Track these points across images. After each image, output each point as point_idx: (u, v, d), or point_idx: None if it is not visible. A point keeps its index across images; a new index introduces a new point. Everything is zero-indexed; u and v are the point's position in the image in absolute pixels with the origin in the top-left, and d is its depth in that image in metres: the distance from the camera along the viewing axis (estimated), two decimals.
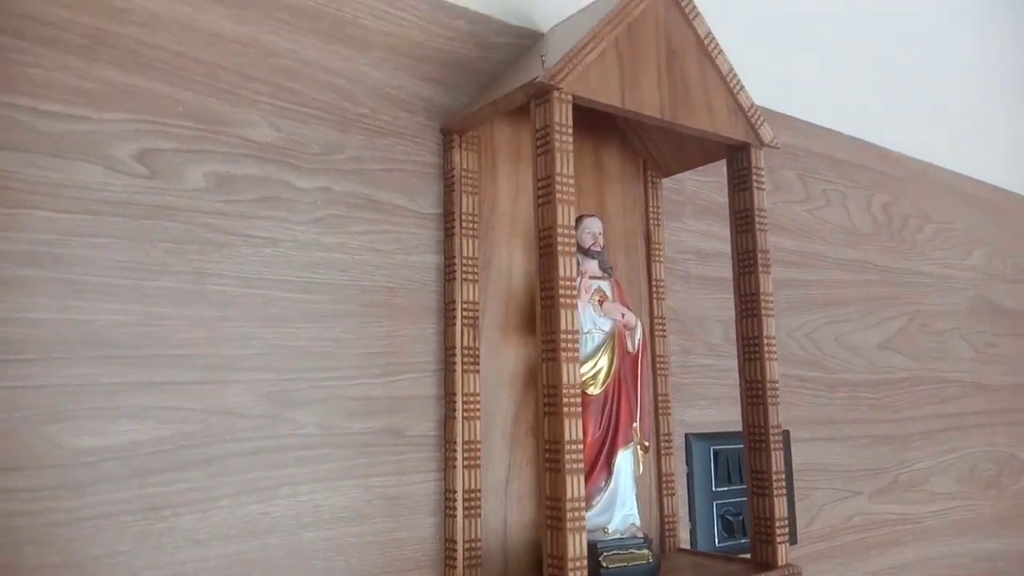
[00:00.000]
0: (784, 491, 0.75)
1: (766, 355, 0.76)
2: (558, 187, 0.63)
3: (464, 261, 0.73)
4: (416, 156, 0.74)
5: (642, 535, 0.72)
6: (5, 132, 0.55)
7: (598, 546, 0.69)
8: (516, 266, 0.78)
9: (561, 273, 0.62)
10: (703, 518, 0.90)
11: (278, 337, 0.64)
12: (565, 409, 0.61)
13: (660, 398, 0.86)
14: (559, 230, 0.62)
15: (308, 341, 0.65)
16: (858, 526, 1.08)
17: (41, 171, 0.56)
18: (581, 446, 0.61)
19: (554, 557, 0.60)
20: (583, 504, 0.61)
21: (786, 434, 1.01)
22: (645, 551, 0.71)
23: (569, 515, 0.60)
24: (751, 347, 0.77)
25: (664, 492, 0.84)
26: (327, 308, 0.67)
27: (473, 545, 0.70)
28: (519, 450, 0.75)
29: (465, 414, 0.71)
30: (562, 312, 0.62)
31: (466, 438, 0.71)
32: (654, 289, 0.88)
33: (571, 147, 0.64)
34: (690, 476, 0.90)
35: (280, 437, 0.63)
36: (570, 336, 0.62)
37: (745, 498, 0.90)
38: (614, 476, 0.72)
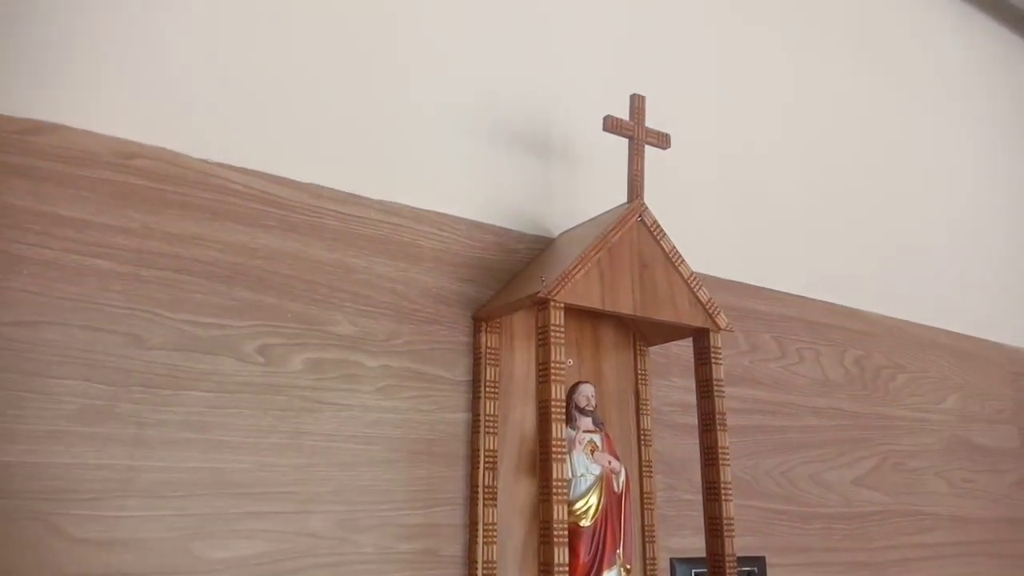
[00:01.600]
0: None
1: (723, 497, 0.97)
2: (553, 371, 0.87)
3: (487, 418, 0.97)
4: (452, 337, 0.99)
5: None
6: (175, 338, 0.81)
7: None
8: (527, 422, 1.01)
9: (553, 435, 0.85)
10: None
11: (349, 478, 0.88)
12: (555, 539, 0.83)
13: (647, 528, 1.07)
14: (552, 403, 0.86)
15: (369, 481, 0.89)
16: None
17: (196, 363, 0.82)
18: (567, 567, 0.83)
19: None
20: (564, 569, 0.81)
21: (762, 560, 1.19)
22: None
23: None
24: (712, 490, 0.98)
25: None
26: (384, 456, 0.91)
27: None
28: (527, 568, 0.96)
29: (485, 540, 0.93)
30: (554, 464, 0.84)
31: (485, 559, 0.93)
32: (642, 437, 1.10)
33: (563, 341, 0.88)
34: None
35: (346, 555, 0.86)
36: (560, 484, 0.84)
37: None
38: None
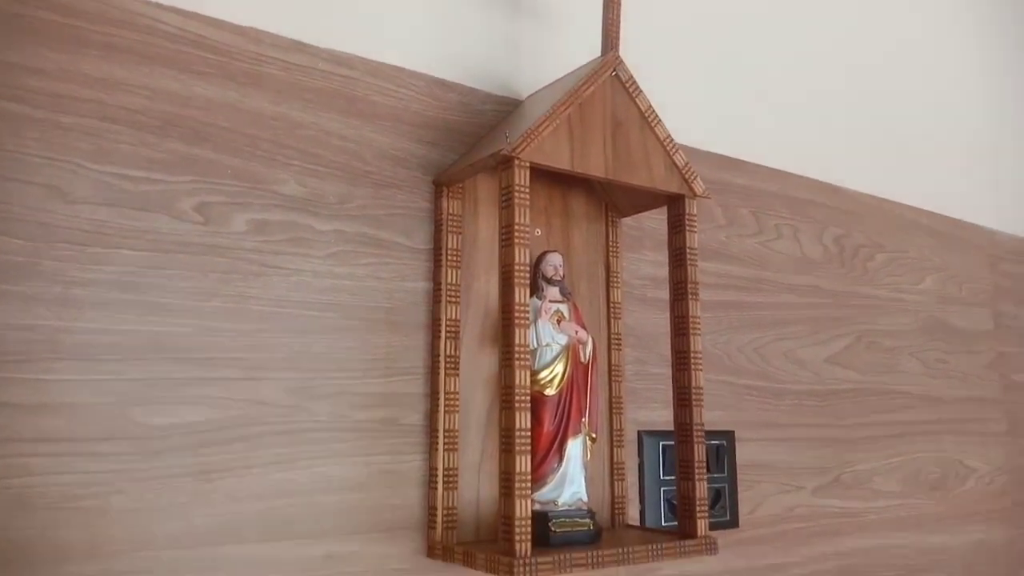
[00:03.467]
0: (704, 477, 0.92)
1: (693, 366, 0.94)
2: (516, 234, 0.81)
3: (449, 287, 0.92)
4: (412, 203, 0.93)
5: (587, 508, 0.90)
6: (103, 192, 0.75)
7: (549, 515, 0.87)
8: (492, 291, 0.96)
9: (516, 300, 0.81)
10: (651, 501, 1.07)
11: (301, 345, 0.83)
12: (517, 404, 0.79)
13: (614, 400, 1.04)
14: (516, 267, 0.81)
15: (324, 349, 0.85)
16: (801, 516, 1.24)
17: (127, 220, 0.76)
18: (529, 433, 0.80)
19: (505, 518, 0.78)
20: (528, 478, 0.79)
21: (731, 434, 1.18)
22: (587, 521, 0.88)
23: (518, 486, 0.78)
24: (681, 360, 0.94)
25: (615, 478, 1.02)
26: (339, 323, 0.86)
27: (450, 512, 0.88)
28: (490, 438, 0.93)
29: (446, 408, 0.90)
30: (516, 330, 0.80)
31: (447, 427, 0.90)
32: (612, 310, 1.06)
33: (528, 202, 0.82)
34: (641, 466, 1.08)
35: (300, 422, 0.82)
36: (522, 349, 0.80)
37: None
38: (565, 460, 0.90)
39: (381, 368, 0.88)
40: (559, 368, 0.92)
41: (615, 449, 1.03)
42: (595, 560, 0.81)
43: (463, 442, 0.91)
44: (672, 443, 1.06)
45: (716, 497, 1.14)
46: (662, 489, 1.09)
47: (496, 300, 0.96)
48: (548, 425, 0.90)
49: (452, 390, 0.91)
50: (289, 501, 0.81)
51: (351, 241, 0.88)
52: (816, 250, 1.36)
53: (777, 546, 1.20)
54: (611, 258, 1.07)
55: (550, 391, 0.91)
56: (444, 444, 0.89)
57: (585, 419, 0.93)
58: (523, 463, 0.79)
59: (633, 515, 1.06)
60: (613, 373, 1.04)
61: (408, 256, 0.92)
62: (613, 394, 1.04)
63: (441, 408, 0.90)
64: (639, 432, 1.09)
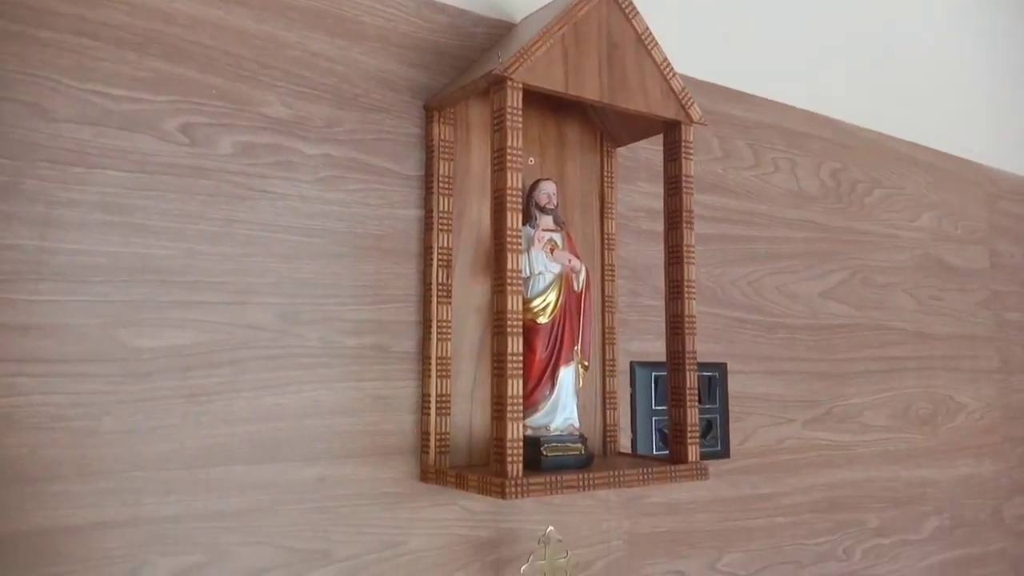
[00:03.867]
0: (695, 404, 0.93)
1: (686, 295, 0.93)
2: (509, 158, 0.80)
3: (441, 215, 0.91)
4: (402, 128, 0.91)
5: (578, 434, 0.91)
6: (85, 111, 0.73)
7: (541, 440, 0.88)
8: (484, 220, 0.95)
9: (509, 225, 0.80)
10: (643, 430, 1.08)
11: (288, 271, 0.83)
12: (509, 329, 0.79)
13: (607, 331, 1.04)
14: (508, 192, 0.80)
15: (311, 274, 0.84)
16: (791, 448, 1.26)
17: (110, 140, 0.74)
18: (520, 358, 0.80)
19: (497, 440, 0.79)
20: (520, 401, 0.79)
21: (723, 366, 1.18)
22: (579, 446, 0.89)
23: (509, 409, 0.78)
24: (674, 289, 0.94)
25: (607, 407, 1.02)
26: (327, 249, 0.85)
27: (443, 437, 0.89)
28: (483, 366, 0.93)
29: (439, 336, 0.90)
30: (508, 255, 0.79)
31: (439, 355, 0.89)
32: (605, 241, 1.05)
33: (520, 125, 0.80)
34: (633, 396, 1.08)
35: (289, 347, 0.82)
36: (514, 274, 0.80)
37: None
38: (557, 387, 0.90)
39: (371, 295, 0.87)
40: (552, 296, 0.91)
41: (607, 378, 1.03)
42: (586, 483, 0.82)
43: (455, 369, 0.91)
44: (664, 374, 1.06)
45: (707, 427, 1.15)
46: (653, 419, 1.09)
47: (488, 229, 0.95)
48: (541, 352, 0.90)
49: (444, 318, 0.90)
50: (279, 424, 0.81)
51: (339, 166, 0.87)
52: (813, 184, 1.35)
53: (767, 476, 1.22)
54: (606, 188, 1.06)
55: (543, 319, 0.91)
56: (437, 371, 0.89)
57: (578, 347, 0.92)
58: (515, 387, 0.79)
59: (625, 444, 1.07)
60: (606, 304, 1.04)
61: (398, 183, 0.90)
62: (606, 324, 1.04)
63: (434, 336, 0.89)
64: (632, 363, 1.09)
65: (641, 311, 1.10)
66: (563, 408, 0.91)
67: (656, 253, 1.12)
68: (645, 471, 0.87)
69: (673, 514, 1.10)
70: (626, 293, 1.09)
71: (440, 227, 0.91)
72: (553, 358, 0.91)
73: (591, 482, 0.82)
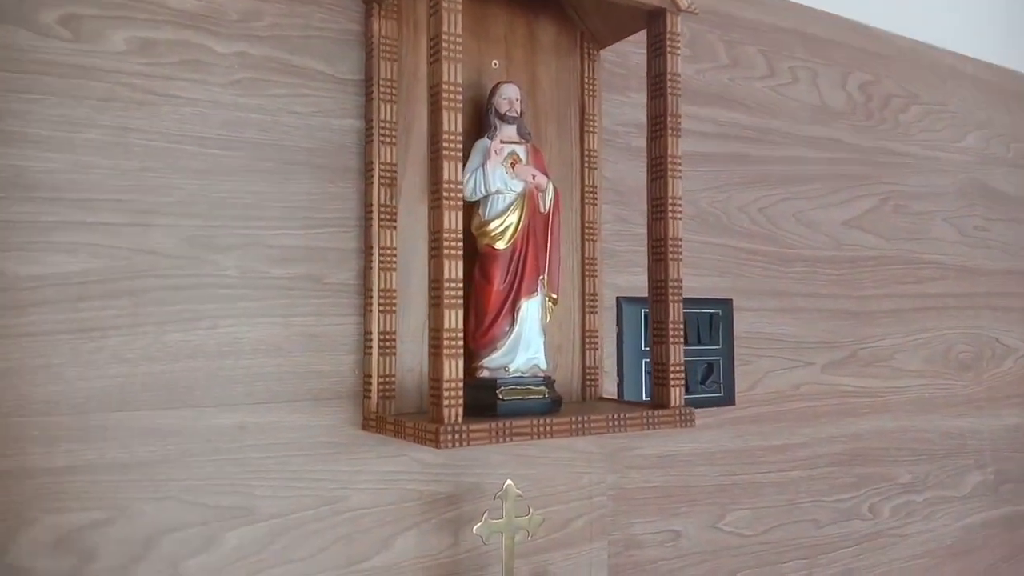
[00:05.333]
0: (680, 340, 0.80)
1: (670, 215, 0.80)
2: (444, 46, 0.67)
3: (382, 125, 0.79)
4: (335, 24, 0.79)
5: (543, 376, 0.79)
6: None
7: (498, 381, 0.76)
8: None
9: (446, 128, 0.67)
10: (631, 374, 0.96)
11: (200, 188, 0.72)
12: (446, 252, 0.67)
13: (588, 261, 0.91)
14: (444, 87, 0.67)
15: (228, 193, 0.73)
16: (808, 394, 1.12)
17: None
18: (460, 284, 0.68)
19: (433, 380, 0.67)
20: (459, 334, 0.67)
21: (728, 303, 1.05)
22: (542, 388, 0.77)
23: (446, 344, 0.67)
24: (658, 208, 0.81)
25: (587, 347, 0.90)
26: (247, 164, 0.74)
27: (387, 380, 0.78)
28: None
29: (382, 265, 0.78)
30: (445, 164, 0.67)
31: (382, 286, 0.78)
32: (587, 159, 0.92)
33: (459, 8, 0.67)
34: (620, 335, 0.96)
35: (201, 276, 0.71)
36: (452, 186, 0.67)
37: None
38: (518, 322, 0.78)
39: (301, 218, 0.76)
40: (512, 218, 0.79)
41: (587, 315, 0.91)
42: (540, 429, 0.70)
43: (403, 303, 0.80)
44: None
45: (708, 371, 1.02)
46: (643, 361, 0.97)
47: None
48: (499, 283, 0.78)
49: (388, 244, 0.79)
50: (189, 365, 0.71)
51: (259, 67, 0.75)
52: (838, 98, 1.19)
53: (779, 426, 1.09)
54: (587, 98, 0.92)
55: (501, 244, 0.78)
56: (380, 305, 0.78)
57: (543, 277, 0.80)
58: (453, 318, 0.67)
59: (610, 389, 0.95)
60: (586, 230, 0.91)
61: (332, 87, 0.78)
62: (586, 254, 0.91)
63: (376, 265, 0.78)
64: (618, 298, 0.96)
65: (631, 240, 0.97)
66: (526, 346, 0.79)
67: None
68: (614, 417, 0.75)
69: (667, 467, 0.99)
70: (612, 219, 0.96)
71: (382, 139, 0.79)
72: (514, 289, 0.79)
73: (546, 429, 0.71)
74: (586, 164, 0.92)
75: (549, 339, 0.86)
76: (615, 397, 0.95)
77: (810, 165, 1.15)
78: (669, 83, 0.80)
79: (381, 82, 0.79)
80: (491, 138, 0.80)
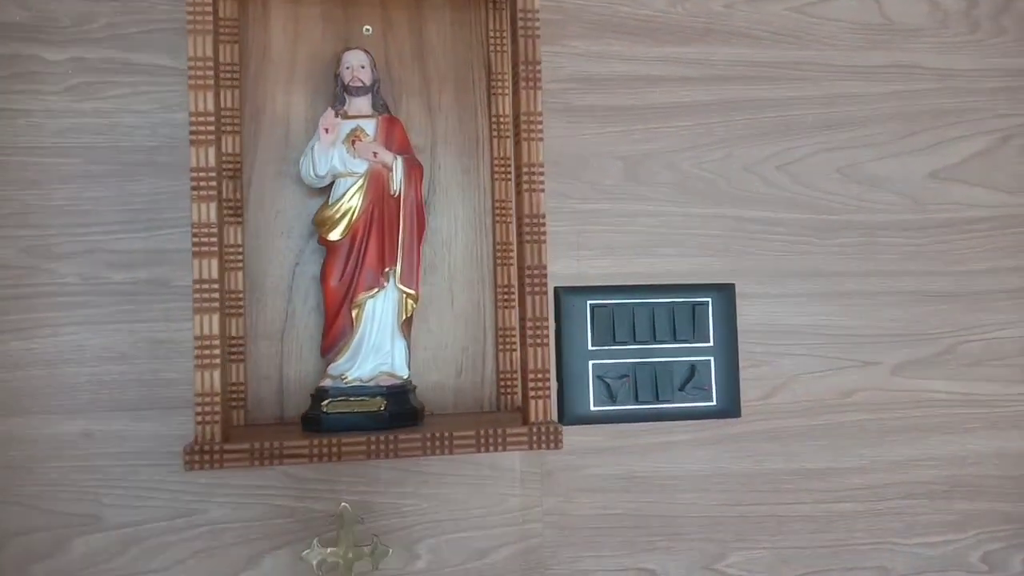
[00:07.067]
0: (544, 341, 0.64)
1: (526, 186, 0.65)
2: (191, 16, 0.60)
3: (224, 112, 0.73)
4: (178, 14, 0.74)
5: (389, 387, 0.68)
6: None
7: (329, 392, 0.67)
8: (296, 114, 0.75)
9: (195, 108, 0.60)
10: (575, 380, 0.80)
11: (35, 198, 0.72)
12: (197, 248, 0.60)
13: (500, 247, 0.78)
14: (195, 62, 0.60)
15: (65, 200, 0.72)
16: (867, 404, 0.85)
17: None
18: (214, 285, 0.60)
19: (197, 394, 0.61)
20: (215, 343, 0.60)
21: (726, 289, 0.83)
22: (377, 400, 0.67)
23: (198, 352, 0.60)
24: (517, 178, 0.66)
25: (500, 348, 0.77)
26: (83, 169, 0.73)
27: (234, 389, 0.72)
28: (298, 299, 0.75)
29: (228, 264, 0.73)
30: (194, 151, 0.60)
31: (229, 287, 0.73)
32: (496, 126, 0.78)
33: None
34: (559, 333, 0.80)
35: (39, 285, 0.72)
36: (204, 175, 0.60)
37: (631, 359, 0.79)
38: (362, 323, 0.69)
39: (144, 220, 0.73)
40: (350, 204, 0.69)
41: (500, 311, 0.77)
42: (320, 451, 0.61)
43: (254, 305, 0.74)
44: (607, 301, 0.78)
45: (690, 373, 0.82)
46: (591, 363, 0.80)
47: (301, 124, 0.75)
48: (334, 280, 0.69)
49: (232, 242, 0.73)
50: (30, 372, 0.71)
51: (94, 70, 0.73)
52: (913, 10, 0.89)
53: (817, 444, 0.84)
54: (492, 55, 0.78)
55: (334, 235, 0.69)
56: (228, 308, 0.73)
57: (394, 269, 0.69)
58: (206, 324, 0.60)
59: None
60: (496, 211, 0.77)
61: (175, 81, 0.74)
62: (498, 238, 0.77)
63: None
64: (556, 289, 0.80)
65: (574, 218, 0.81)
66: (373, 351, 0.69)
67: (601, 137, 0.82)
68: (440, 436, 0.62)
69: (634, 492, 0.81)
70: (555, 195, 0.81)
71: (224, 128, 0.73)
72: (352, 286, 0.69)
73: (328, 450, 0.61)
74: (495, 133, 0.78)
75: (453, 339, 0.75)
76: (556, 408, 0.80)
77: (866, 104, 0.87)
78: (521, 22, 0.65)
79: (221, 67, 0.73)
80: (340, 115, 0.71)
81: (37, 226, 0.72)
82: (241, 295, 0.73)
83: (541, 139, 0.65)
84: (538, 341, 0.64)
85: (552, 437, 0.63)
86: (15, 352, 0.71)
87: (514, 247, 0.77)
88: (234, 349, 0.72)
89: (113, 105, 0.73)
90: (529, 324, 0.64)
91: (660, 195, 0.83)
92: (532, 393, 0.64)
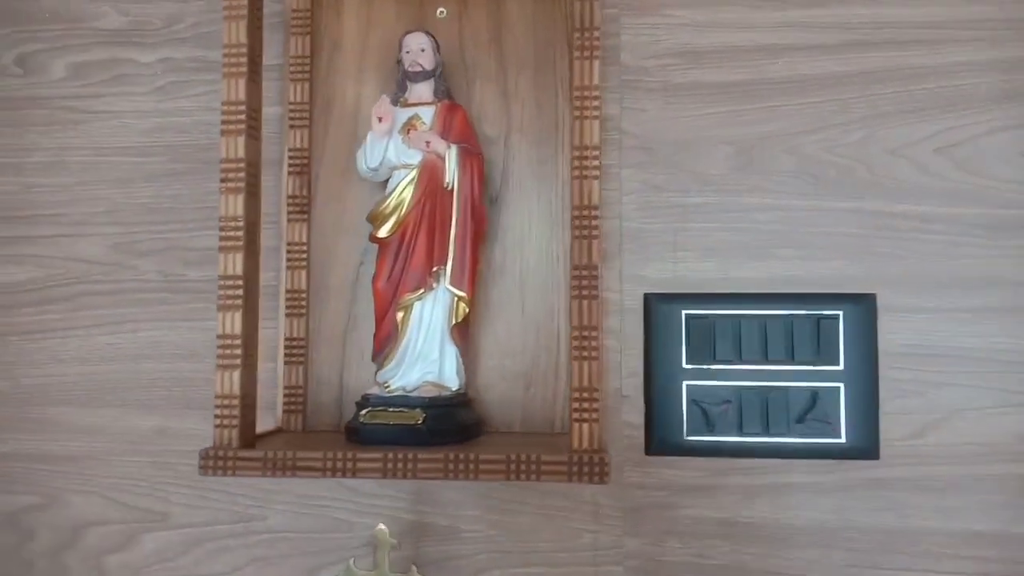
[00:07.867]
0: (593, 355, 0.55)
1: (580, 173, 0.56)
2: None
3: (292, 107, 0.71)
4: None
5: (435, 396, 0.61)
6: None
7: (369, 400, 0.62)
8: (366, 107, 0.71)
9: (228, 98, 0.58)
10: (665, 404, 0.68)
11: (123, 197, 0.74)
12: (224, 243, 0.58)
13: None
14: (229, 49, 0.59)
15: (149, 198, 0.74)
16: None
17: None
18: (239, 281, 0.58)
19: (218, 396, 0.58)
20: (236, 342, 0.57)
21: (865, 300, 0.68)
22: (415, 413, 0.60)
23: (220, 352, 0.57)
24: (575, 163, 0.57)
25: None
26: (166, 168, 0.74)
27: (294, 392, 0.70)
28: (361, 301, 0.70)
29: (289, 264, 0.71)
30: (225, 141, 0.58)
31: (290, 287, 0.70)
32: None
33: None
34: (647, 348, 0.69)
35: (123, 281, 0.74)
36: (233, 165, 0.58)
37: (735, 381, 0.67)
38: (408, 328, 0.63)
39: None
40: (400, 198, 0.64)
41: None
42: (335, 464, 0.55)
43: (318, 306, 0.71)
44: (705, 312, 0.68)
45: (811, 402, 0.67)
46: (685, 384, 0.68)
47: (369, 116, 0.71)
48: (382, 280, 0.64)
49: (297, 240, 0.71)
50: (113, 367, 0.73)
51: (180, 69, 0.74)
52: None
53: (982, 501, 0.66)
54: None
55: (383, 232, 0.64)
56: (286, 308, 0.70)
57: (443, 269, 0.63)
58: (228, 323, 0.57)
59: (634, 420, 0.69)
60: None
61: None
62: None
63: (282, 263, 0.71)
64: (646, 295, 0.70)
65: (671, 214, 0.70)
66: (419, 359, 0.63)
67: (704, 119, 0.71)
68: (462, 460, 0.55)
69: (739, 541, 0.68)
70: (639, 188, 0.70)
71: (292, 123, 0.71)
72: (398, 288, 0.63)
73: (344, 465, 0.55)
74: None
75: (522, 348, 0.68)
76: (644, 437, 0.69)
77: None
78: None
79: (290, 60, 0.71)
80: (395, 102, 0.66)
81: (123, 223, 0.74)
82: (304, 295, 0.70)
83: (597, 117, 0.56)
84: (585, 354, 0.55)
85: (597, 469, 0.53)
86: (101, 346, 0.73)
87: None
88: (296, 351, 0.70)
89: (194, 104, 0.74)
90: (575, 334, 0.55)
91: (779, 186, 0.69)
92: (576, 415, 0.55)
